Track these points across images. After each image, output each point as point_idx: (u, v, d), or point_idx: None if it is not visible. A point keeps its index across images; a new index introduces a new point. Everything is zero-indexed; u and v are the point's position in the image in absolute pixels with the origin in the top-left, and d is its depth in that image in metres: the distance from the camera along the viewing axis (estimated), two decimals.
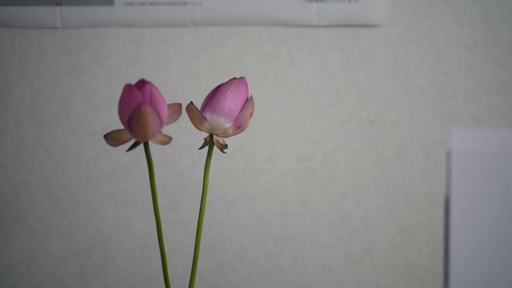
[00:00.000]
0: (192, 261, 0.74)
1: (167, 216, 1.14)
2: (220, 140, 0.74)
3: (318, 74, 1.13)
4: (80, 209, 1.14)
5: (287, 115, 1.13)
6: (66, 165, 1.14)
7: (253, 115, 0.75)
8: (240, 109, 0.73)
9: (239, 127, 0.73)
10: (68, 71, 1.13)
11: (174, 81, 1.13)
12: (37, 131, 1.13)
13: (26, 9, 1.11)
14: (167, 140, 0.69)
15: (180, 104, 0.71)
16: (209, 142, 0.74)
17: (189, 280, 0.76)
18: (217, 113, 0.72)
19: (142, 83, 0.67)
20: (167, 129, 0.74)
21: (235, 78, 0.73)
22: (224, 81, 0.74)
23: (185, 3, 1.11)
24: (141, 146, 0.70)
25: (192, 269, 0.75)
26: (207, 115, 0.73)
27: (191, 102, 0.72)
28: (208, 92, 0.74)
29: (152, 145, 0.71)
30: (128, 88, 0.66)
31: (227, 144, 0.74)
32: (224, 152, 0.75)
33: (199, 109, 0.73)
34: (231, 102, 0.72)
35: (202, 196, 0.74)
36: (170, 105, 0.70)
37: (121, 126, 0.69)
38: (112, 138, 0.69)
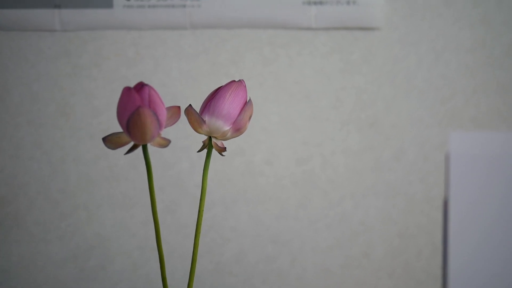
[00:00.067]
0: (191, 264, 0.74)
1: (165, 219, 1.14)
2: (219, 143, 0.74)
3: (317, 76, 1.13)
4: (78, 211, 1.14)
5: (286, 118, 1.13)
6: (65, 167, 1.14)
7: (252, 117, 0.74)
8: (239, 112, 0.73)
9: (237, 130, 0.73)
10: (67, 73, 1.13)
11: (173, 84, 1.13)
12: (36, 134, 1.13)
13: (25, 11, 1.11)
14: (166, 143, 0.69)
15: (179, 107, 0.71)
16: (208, 145, 0.74)
17: (187, 283, 0.76)
18: (215, 116, 0.72)
19: (141, 86, 0.67)
20: (166, 132, 0.74)
21: (234, 80, 0.73)
22: (223, 84, 0.74)
23: (184, 6, 1.11)
24: (140, 149, 0.69)
25: (190, 272, 0.75)
26: (206, 118, 0.73)
27: (190, 104, 0.72)
28: (207, 95, 0.74)
29: (150, 148, 0.71)
30: (126, 91, 0.66)
31: (225, 147, 0.74)
32: (222, 155, 0.75)
33: (198, 111, 0.73)
34: (230, 105, 0.72)
35: (200, 199, 0.74)
36: (168, 108, 0.70)
37: (120, 129, 0.69)
38: (111, 141, 0.69)
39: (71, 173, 1.14)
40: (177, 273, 1.14)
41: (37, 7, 1.11)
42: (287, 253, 1.15)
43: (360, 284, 1.15)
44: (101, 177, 1.14)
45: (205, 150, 0.75)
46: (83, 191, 1.14)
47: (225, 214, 1.14)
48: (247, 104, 0.73)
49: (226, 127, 0.73)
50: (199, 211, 0.74)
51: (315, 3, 1.11)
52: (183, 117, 0.72)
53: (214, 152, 0.75)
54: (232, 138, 0.74)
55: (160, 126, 0.67)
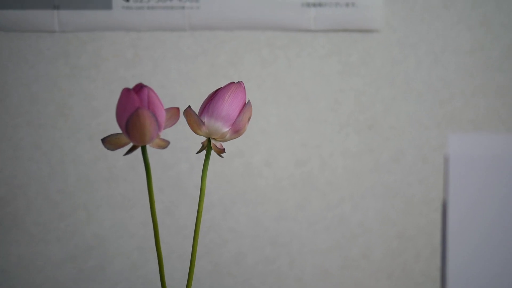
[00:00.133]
0: (190, 264, 0.74)
1: (164, 220, 1.14)
2: (218, 144, 0.74)
3: (316, 78, 1.13)
4: (77, 212, 1.14)
5: (285, 120, 1.13)
6: (64, 168, 1.14)
7: (250, 119, 0.75)
8: (238, 114, 0.73)
9: (236, 131, 0.73)
10: (66, 74, 1.13)
11: (172, 85, 1.13)
12: (35, 135, 1.13)
13: (24, 12, 1.11)
14: (165, 144, 0.69)
15: (178, 108, 0.71)
16: (207, 146, 0.74)
17: (186, 284, 0.76)
18: (214, 118, 0.72)
19: (140, 87, 0.67)
20: (165, 133, 0.74)
21: (233, 82, 0.73)
22: (222, 85, 0.74)
23: (183, 7, 1.11)
24: (139, 150, 0.70)
25: (189, 273, 0.75)
26: (205, 120, 0.73)
27: (189, 106, 0.72)
28: (206, 96, 0.74)
29: (149, 149, 0.71)
30: (126, 92, 0.66)
31: (224, 149, 0.74)
32: (221, 157, 0.75)
33: (197, 113, 0.73)
34: (229, 106, 0.72)
35: (199, 200, 0.74)
36: (168, 109, 0.70)
37: (119, 130, 0.69)
38: (110, 142, 0.69)
39: (70, 173, 1.14)
40: (176, 273, 1.14)
41: (36, 8, 1.11)
42: (286, 254, 1.15)
43: (359, 286, 1.15)
44: (100, 178, 1.14)
45: (204, 152, 0.75)
46: (82, 191, 1.14)
47: (224, 215, 1.14)
48: (246, 105, 0.73)
49: (225, 129, 0.73)
50: (198, 212, 0.74)
51: (314, 5, 1.11)
52: (182, 118, 0.72)
53: (213, 153, 0.75)
54: (231, 139, 0.74)
55: (159, 127, 0.67)
